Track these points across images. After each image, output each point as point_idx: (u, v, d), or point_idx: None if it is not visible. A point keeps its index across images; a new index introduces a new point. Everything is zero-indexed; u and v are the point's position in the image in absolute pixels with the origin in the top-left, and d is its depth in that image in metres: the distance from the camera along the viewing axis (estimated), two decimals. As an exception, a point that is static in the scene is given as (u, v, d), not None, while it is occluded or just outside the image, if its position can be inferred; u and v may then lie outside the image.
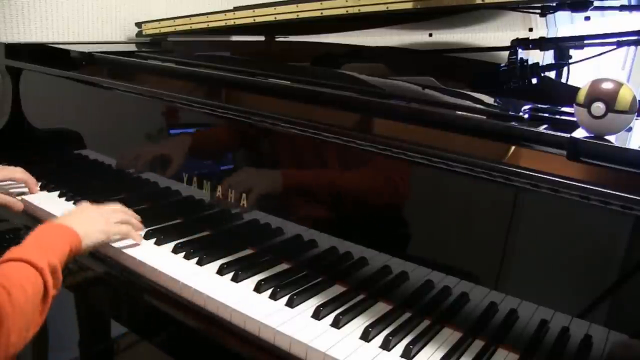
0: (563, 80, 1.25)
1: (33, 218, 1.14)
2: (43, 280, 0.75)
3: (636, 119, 0.67)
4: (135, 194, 1.18)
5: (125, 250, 0.95)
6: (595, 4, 1.04)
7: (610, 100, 0.64)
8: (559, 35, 1.34)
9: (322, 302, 0.81)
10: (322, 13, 1.17)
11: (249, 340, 0.78)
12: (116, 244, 0.97)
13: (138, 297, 0.95)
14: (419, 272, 0.82)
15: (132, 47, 1.59)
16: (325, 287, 0.87)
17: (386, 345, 0.73)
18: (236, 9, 1.37)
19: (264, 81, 1.04)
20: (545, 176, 0.67)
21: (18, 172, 1.17)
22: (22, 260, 0.75)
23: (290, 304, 0.81)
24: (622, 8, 1.19)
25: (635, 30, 1.18)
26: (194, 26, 1.48)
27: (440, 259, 0.81)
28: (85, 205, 0.99)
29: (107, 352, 1.73)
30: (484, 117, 0.79)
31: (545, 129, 0.73)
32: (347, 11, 1.13)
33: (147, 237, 1.00)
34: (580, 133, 0.68)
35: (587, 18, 1.25)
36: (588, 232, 0.69)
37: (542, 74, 1.20)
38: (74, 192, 1.18)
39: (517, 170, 0.69)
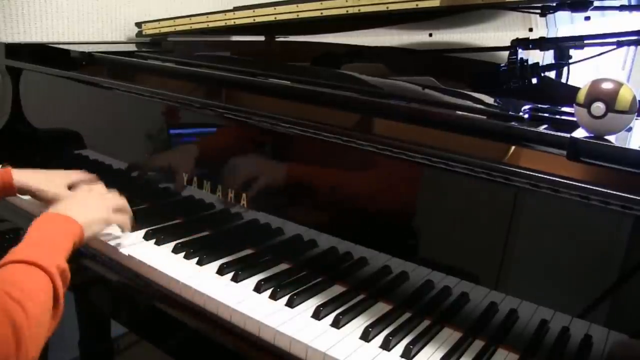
0: (563, 80, 1.25)
1: (30, 219, 1.14)
2: (53, 285, 0.71)
3: (636, 119, 0.67)
4: (135, 193, 1.18)
5: (125, 250, 0.95)
6: (595, 4, 1.04)
7: (610, 100, 0.64)
8: (559, 35, 1.34)
9: (322, 302, 0.81)
10: (322, 13, 1.17)
11: (249, 340, 0.78)
12: (114, 244, 0.97)
13: (138, 297, 0.95)
14: (419, 272, 0.82)
15: (132, 47, 1.59)
16: (325, 287, 0.87)
17: (386, 345, 0.73)
18: (236, 9, 1.37)
19: (264, 81, 1.04)
20: (545, 176, 0.67)
21: (86, 174, 1.13)
22: (30, 263, 0.71)
23: (290, 304, 0.81)
24: (622, 8, 1.19)
25: (635, 30, 1.19)
26: (194, 26, 1.48)
27: (440, 259, 0.81)
28: (84, 189, 0.97)
29: (107, 352, 1.73)
30: (484, 117, 0.79)
31: (545, 129, 0.73)
32: (347, 11, 1.13)
33: (147, 237, 1.00)
34: (580, 133, 0.68)
35: (587, 18, 1.25)
36: (588, 232, 0.69)
37: (542, 74, 1.20)
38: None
39: (517, 170, 0.69)
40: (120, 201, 0.97)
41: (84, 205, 0.89)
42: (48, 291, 0.71)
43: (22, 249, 0.74)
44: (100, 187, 1.00)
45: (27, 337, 0.64)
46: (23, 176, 1.04)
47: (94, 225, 0.87)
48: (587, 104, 0.65)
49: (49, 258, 0.73)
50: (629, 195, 0.61)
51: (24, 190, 1.04)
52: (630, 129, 0.69)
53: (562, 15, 1.26)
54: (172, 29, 1.55)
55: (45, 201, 1.05)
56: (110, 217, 0.91)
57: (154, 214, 1.09)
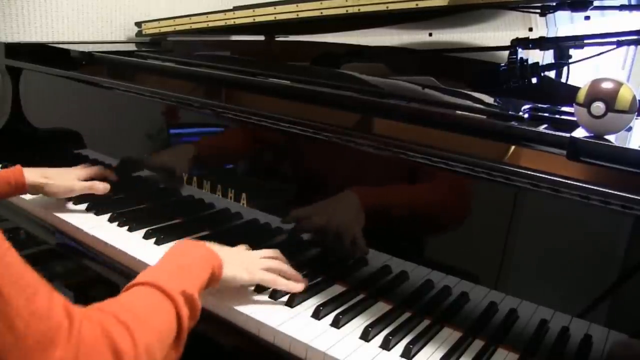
0: (563, 80, 1.25)
1: (30, 219, 1.14)
2: (177, 312, 0.63)
3: (636, 119, 0.67)
4: (135, 193, 1.18)
5: (125, 250, 0.95)
6: (595, 3, 1.04)
7: (610, 100, 0.64)
8: (559, 34, 1.34)
9: (322, 301, 0.81)
10: (322, 13, 1.17)
11: (249, 340, 0.78)
12: (115, 244, 0.97)
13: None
14: (419, 272, 0.82)
15: (132, 47, 1.59)
16: (326, 287, 0.87)
17: (386, 345, 0.73)
18: (236, 8, 1.37)
19: (264, 81, 1.04)
20: (545, 176, 0.66)
21: (92, 167, 1.15)
22: (152, 285, 0.64)
23: (290, 303, 0.81)
24: (622, 8, 1.19)
25: (635, 30, 1.18)
26: (194, 26, 1.48)
27: (441, 258, 0.81)
28: (233, 248, 0.87)
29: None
30: (484, 116, 0.79)
31: (545, 128, 0.73)
32: (347, 11, 1.13)
33: (147, 236, 1.00)
34: (580, 133, 0.68)
35: (587, 18, 1.25)
36: (588, 232, 0.69)
37: (542, 74, 1.20)
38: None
39: (517, 170, 0.69)
40: (271, 261, 0.84)
41: (229, 251, 0.82)
42: (169, 319, 0.63)
43: (150, 271, 0.68)
44: (260, 252, 0.87)
45: None
46: (32, 174, 1.04)
47: (235, 267, 0.78)
48: (587, 104, 0.65)
49: (176, 283, 0.66)
50: (629, 195, 0.61)
51: (36, 187, 1.05)
52: (630, 129, 0.69)
53: (562, 15, 1.26)
54: (171, 29, 1.55)
55: (57, 195, 1.07)
56: (256, 273, 0.80)
57: (154, 213, 1.09)
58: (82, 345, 0.51)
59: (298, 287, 0.81)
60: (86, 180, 1.11)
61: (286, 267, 0.84)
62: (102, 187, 1.10)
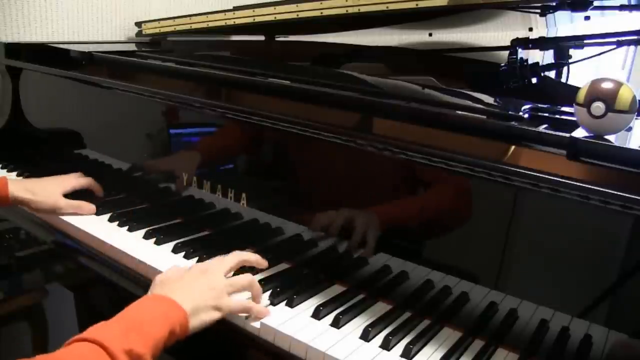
0: (563, 80, 1.25)
1: (30, 219, 1.14)
2: None
3: (636, 119, 0.67)
4: (135, 193, 1.18)
5: (125, 250, 0.95)
6: (595, 3, 1.04)
7: (610, 99, 0.64)
8: (559, 34, 1.34)
9: (322, 301, 0.81)
10: (322, 13, 1.17)
11: (248, 340, 0.78)
12: (115, 244, 0.97)
13: (138, 297, 0.95)
14: (419, 272, 0.82)
15: (132, 47, 1.59)
16: (325, 287, 0.87)
17: (386, 345, 0.73)
18: (236, 8, 1.37)
19: (264, 81, 1.04)
20: (545, 176, 0.66)
21: (82, 178, 1.13)
22: (92, 341, 0.61)
23: (290, 303, 0.81)
24: (622, 8, 1.19)
25: (635, 30, 1.18)
26: (194, 26, 1.48)
27: (440, 258, 0.81)
28: (192, 270, 0.79)
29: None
30: (484, 116, 0.79)
31: (545, 128, 0.73)
32: (347, 11, 1.13)
33: (147, 236, 1.00)
34: (580, 133, 0.68)
35: (587, 18, 1.25)
36: (588, 232, 0.69)
37: (542, 74, 1.20)
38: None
39: (517, 170, 0.69)
40: (243, 281, 0.79)
41: (192, 290, 0.74)
42: None
43: (100, 326, 0.65)
44: (216, 264, 0.81)
45: None
46: (17, 187, 1.02)
47: (202, 313, 0.73)
48: (587, 104, 0.65)
49: (123, 341, 0.62)
50: (629, 195, 0.61)
51: (20, 201, 1.03)
52: (630, 129, 0.69)
53: (562, 15, 1.26)
54: (172, 29, 1.55)
55: (41, 212, 1.05)
56: (225, 304, 0.75)
57: (154, 213, 1.09)
58: None
59: (265, 311, 0.78)
60: (75, 189, 1.10)
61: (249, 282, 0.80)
62: (87, 209, 1.07)
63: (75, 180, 1.11)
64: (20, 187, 1.03)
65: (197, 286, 0.75)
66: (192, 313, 0.72)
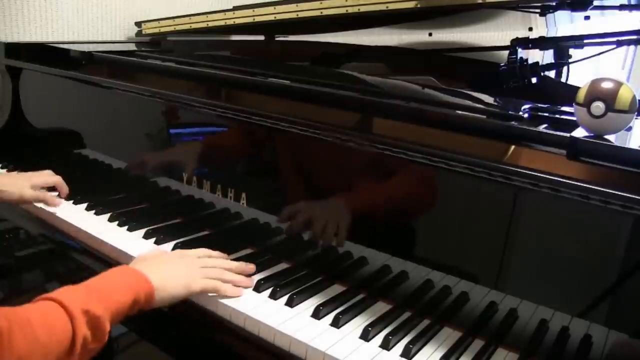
0: (563, 79, 1.25)
1: (30, 219, 1.14)
2: (72, 329, 0.64)
3: (636, 119, 0.67)
4: (135, 193, 1.18)
5: (125, 250, 0.95)
6: (595, 3, 1.04)
7: (610, 99, 0.64)
8: (559, 34, 1.34)
9: (321, 301, 0.81)
10: (322, 13, 1.17)
11: (248, 340, 0.78)
12: (115, 243, 0.97)
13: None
14: (419, 272, 0.82)
15: (132, 47, 1.59)
16: (325, 286, 0.87)
17: (386, 345, 0.73)
18: (236, 8, 1.37)
19: (263, 80, 1.04)
20: (545, 176, 0.66)
21: (52, 176, 1.14)
22: (54, 300, 0.65)
23: (290, 303, 0.81)
24: (622, 8, 1.19)
25: (635, 30, 1.19)
26: (194, 25, 1.48)
27: (440, 258, 0.81)
28: (170, 253, 0.90)
29: (106, 351, 1.73)
30: (484, 116, 0.79)
31: (545, 128, 0.73)
32: (347, 11, 1.13)
33: (146, 236, 1.00)
34: (580, 132, 0.68)
35: (587, 17, 1.25)
36: (588, 231, 0.69)
37: (542, 74, 1.20)
38: (74, 192, 1.17)
39: (517, 169, 0.69)
40: (211, 270, 0.84)
41: (166, 268, 0.81)
42: (58, 331, 0.63)
43: (66, 288, 0.69)
44: (197, 252, 0.88)
45: None
46: None
47: (170, 288, 0.78)
48: (587, 104, 0.65)
49: (82, 302, 0.66)
50: (629, 195, 0.61)
51: None
52: (630, 129, 0.69)
53: (562, 15, 1.26)
54: (171, 29, 1.55)
55: (12, 202, 1.07)
56: (195, 285, 0.80)
57: (154, 213, 1.09)
58: None
59: (245, 281, 0.84)
60: (43, 188, 1.10)
61: (226, 265, 0.86)
62: (51, 201, 1.09)
63: (44, 178, 1.13)
64: None
65: (170, 264, 0.82)
66: (160, 287, 0.76)
